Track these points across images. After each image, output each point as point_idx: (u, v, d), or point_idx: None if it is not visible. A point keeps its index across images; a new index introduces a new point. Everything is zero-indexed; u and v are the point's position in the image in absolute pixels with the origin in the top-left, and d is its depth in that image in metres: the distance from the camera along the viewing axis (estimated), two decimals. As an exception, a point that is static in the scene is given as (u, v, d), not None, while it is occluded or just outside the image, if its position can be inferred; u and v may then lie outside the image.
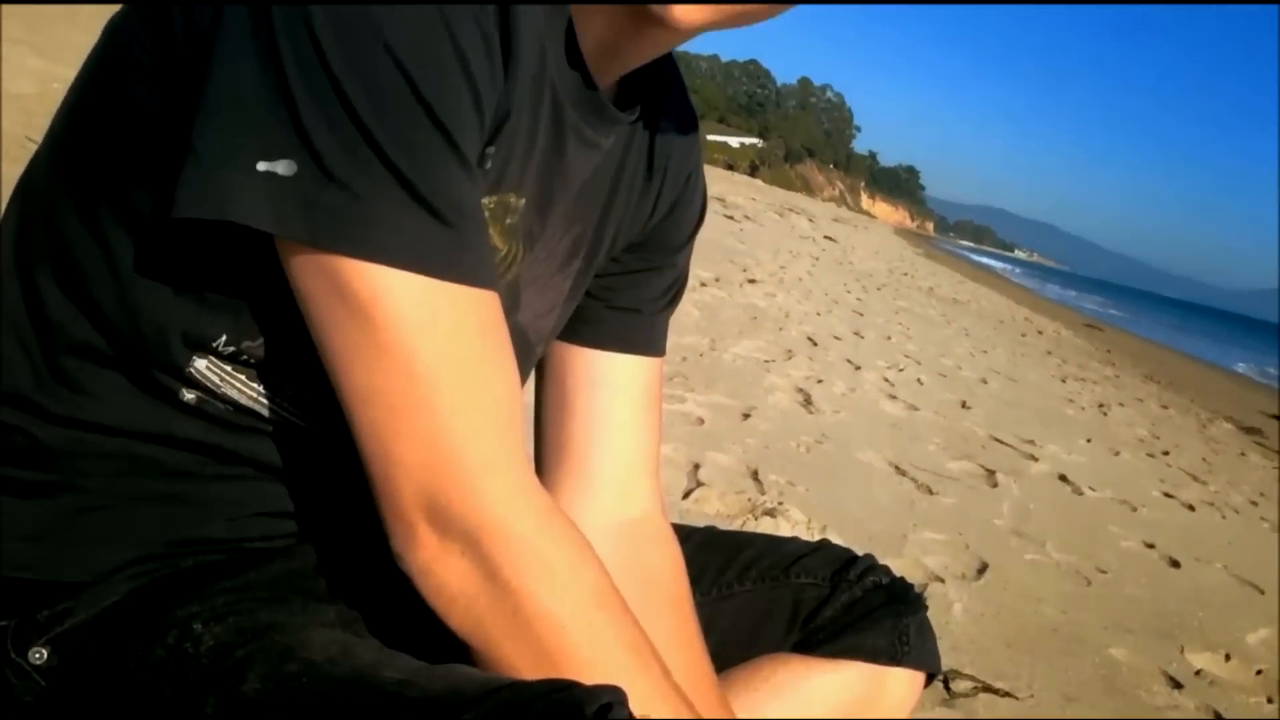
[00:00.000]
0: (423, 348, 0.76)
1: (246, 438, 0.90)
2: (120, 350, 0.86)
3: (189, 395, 0.87)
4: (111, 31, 0.88)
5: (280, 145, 0.72)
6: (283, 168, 0.72)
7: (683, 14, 0.83)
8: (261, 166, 0.72)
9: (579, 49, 0.92)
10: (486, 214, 0.90)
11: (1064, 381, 11.11)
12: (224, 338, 0.85)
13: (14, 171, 0.96)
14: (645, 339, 1.18)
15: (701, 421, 4.38)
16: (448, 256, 0.76)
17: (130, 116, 0.83)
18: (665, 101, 1.10)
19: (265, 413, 0.89)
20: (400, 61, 0.72)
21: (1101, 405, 9.87)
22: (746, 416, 4.70)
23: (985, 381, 8.77)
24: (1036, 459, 5.91)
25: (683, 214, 1.19)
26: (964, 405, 7.06)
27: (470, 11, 0.77)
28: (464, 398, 0.78)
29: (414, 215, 0.74)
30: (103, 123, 0.86)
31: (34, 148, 0.96)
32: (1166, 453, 7.96)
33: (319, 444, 0.92)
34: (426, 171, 0.74)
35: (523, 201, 0.95)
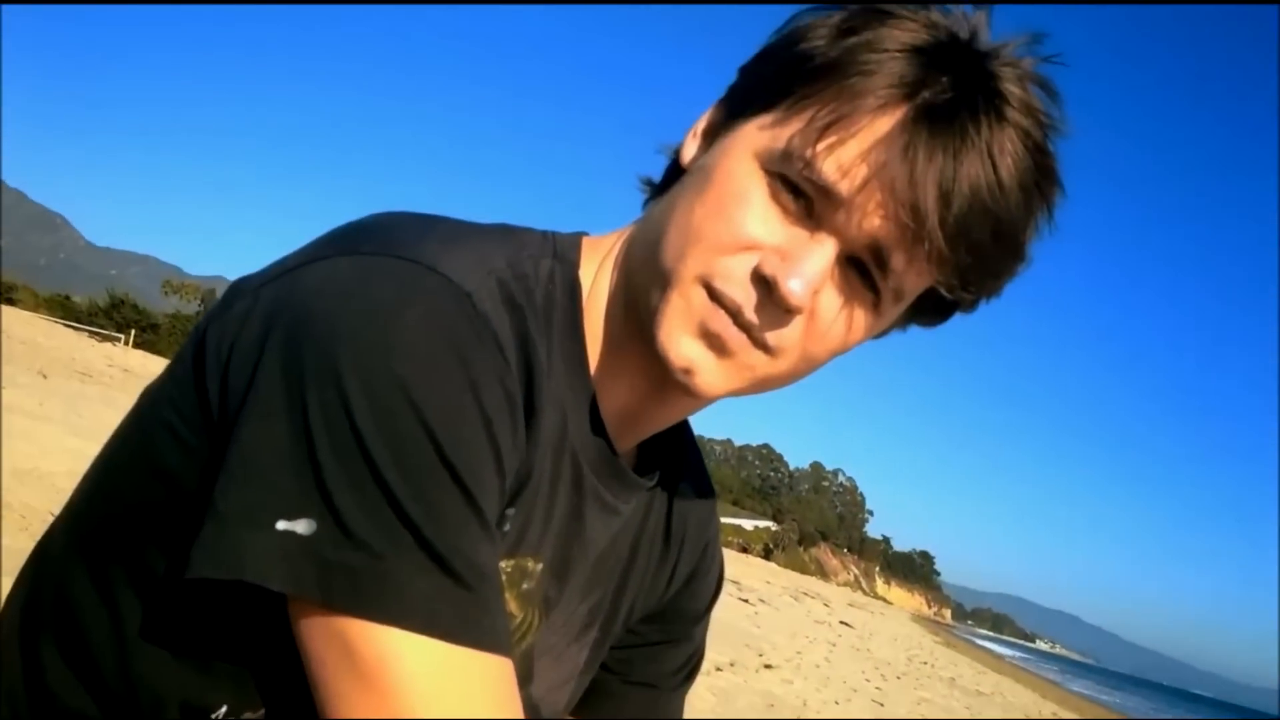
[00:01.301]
0: (432, 717, 0.71)
1: None
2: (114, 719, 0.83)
3: None
4: (146, 396, 0.90)
5: (301, 504, 0.71)
6: (302, 527, 0.71)
7: (705, 382, 0.85)
8: (281, 526, 0.71)
9: (600, 414, 0.92)
10: (504, 578, 0.88)
11: (1099, 782, 10.48)
12: (225, 708, 0.82)
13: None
14: (662, 717, 1.14)
15: (718, 818, 4.10)
16: (463, 619, 0.72)
17: (156, 477, 0.83)
18: (682, 467, 1.10)
19: None
20: (426, 423, 0.72)
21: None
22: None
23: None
24: None
25: (700, 584, 1.17)
26: (995, 806, 6.63)
27: (497, 374, 0.77)
28: None
29: (431, 576, 0.71)
30: (128, 484, 0.86)
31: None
32: None
33: None
34: (446, 532, 0.72)
35: (540, 566, 0.93)
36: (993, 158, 0.79)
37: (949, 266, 0.82)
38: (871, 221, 0.80)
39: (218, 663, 0.81)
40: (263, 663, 0.81)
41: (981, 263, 0.83)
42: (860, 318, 0.86)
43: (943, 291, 0.85)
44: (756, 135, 0.84)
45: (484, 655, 0.73)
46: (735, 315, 0.83)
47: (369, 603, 0.71)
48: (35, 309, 65.41)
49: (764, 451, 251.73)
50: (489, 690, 0.74)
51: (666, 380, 0.87)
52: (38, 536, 0.95)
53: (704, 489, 1.15)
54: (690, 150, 0.92)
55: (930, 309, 0.92)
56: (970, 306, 0.91)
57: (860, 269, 0.84)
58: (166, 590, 0.81)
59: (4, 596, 0.93)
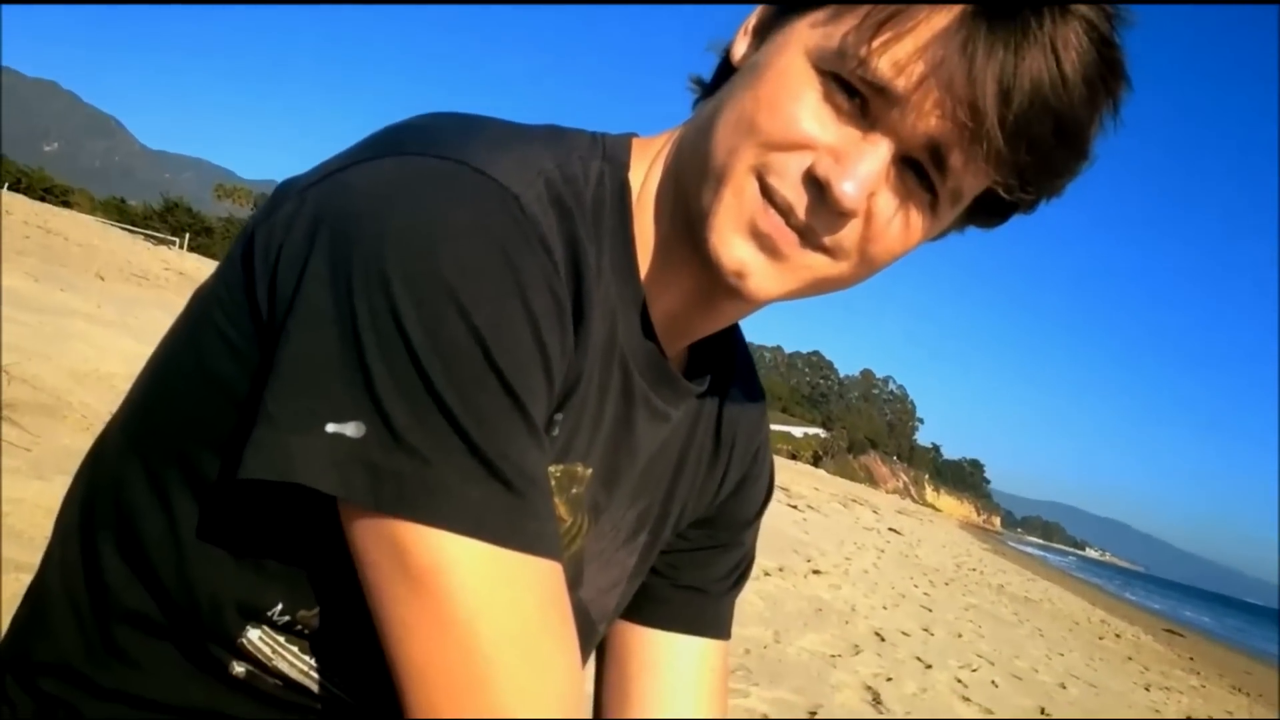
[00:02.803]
0: (483, 622, 0.72)
1: (295, 718, 0.86)
2: (173, 618, 0.83)
3: (239, 669, 0.84)
4: (196, 298, 0.89)
5: (351, 408, 0.71)
6: (351, 430, 0.71)
7: (757, 285, 0.83)
8: (330, 428, 0.71)
9: (650, 319, 0.92)
10: (552, 483, 0.88)
11: (1147, 690, 10.56)
12: (280, 606, 0.82)
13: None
14: (711, 621, 1.13)
15: (765, 719, 4.17)
16: (512, 524, 0.73)
17: (207, 381, 0.83)
18: (733, 372, 1.09)
19: (315, 688, 0.85)
20: (475, 327, 0.71)
21: (1190, 717, 9.31)
22: (813, 714, 4.48)
23: (1064, 687, 8.35)
24: (1124, 775, 5.53)
25: (750, 490, 1.16)
26: (1043, 712, 6.70)
27: (545, 278, 0.76)
28: (525, 678, 0.73)
29: (480, 482, 0.72)
30: (180, 387, 0.86)
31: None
32: (1265, 773, 7.41)
33: None
34: (495, 438, 0.72)
35: (589, 472, 0.93)
36: (1056, 52, 0.75)
37: (1008, 166, 0.79)
38: (928, 121, 0.78)
39: (272, 563, 0.82)
40: (316, 563, 0.81)
41: (1042, 162, 0.79)
42: (917, 219, 0.83)
43: (1001, 192, 0.82)
44: (809, 33, 0.81)
45: (533, 559, 0.74)
46: (787, 215, 0.81)
47: (419, 507, 0.71)
48: (91, 212, 66.48)
49: (814, 359, 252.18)
50: (538, 593, 0.74)
51: (717, 284, 0.85)
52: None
53: (754, 394, 1.14)
54: (741, 48, 0.89)
55: (989, 210, 0.88)
56: (1030, 207, 0.88)
57: (917, 170, 0.81)
58: (220, 492, 0.82)
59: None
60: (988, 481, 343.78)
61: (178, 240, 64.61)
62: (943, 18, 0.76)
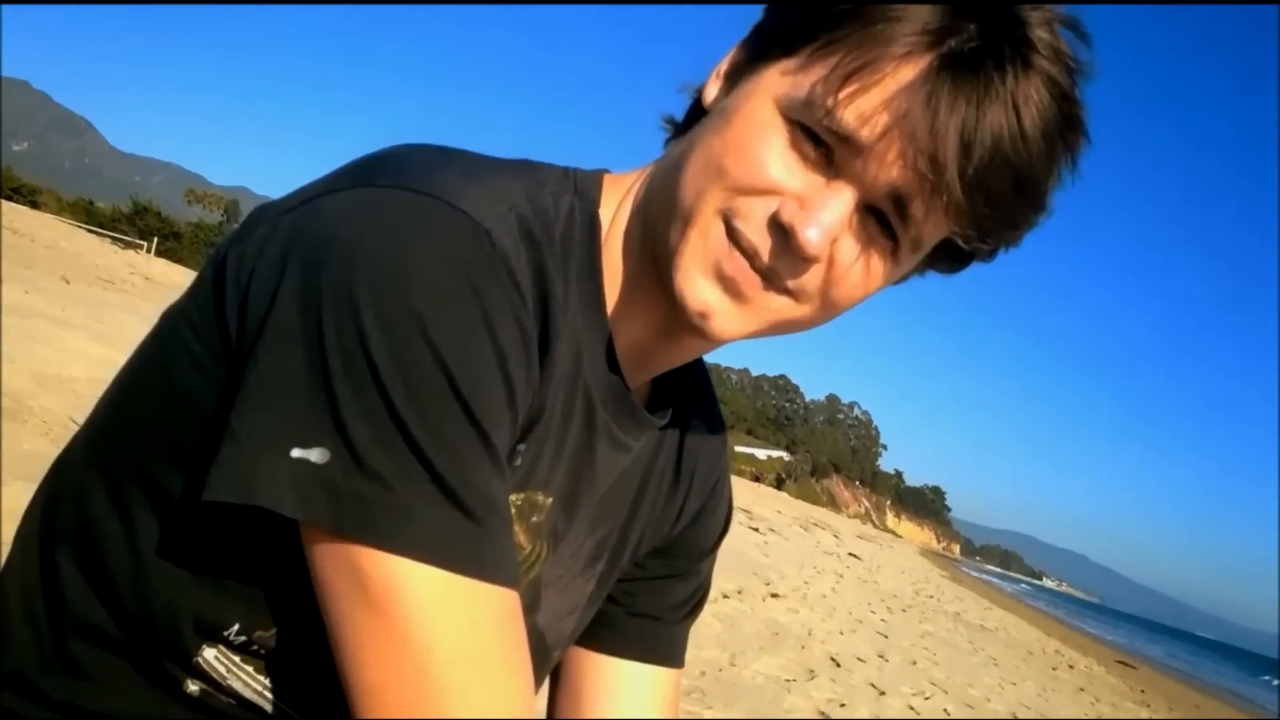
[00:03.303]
0: (438, 644, 0.73)
1: None
2: (129, 634, 0.84)
3: (193, 687, 0.84)
4: (167, 316, 0.91)
5: (316, 433, 0.72)
6: (316, 455, 0.72)
7: (720, 326, 0.85)
8: (295, 453, 0.72)
9: (614, 351, 0.93)
10: (513, 511, 0.89)
11: (1097, 721, 10.61)
12: (237, 626, 0.83)
13: (55, 452, 0.98)
14: (665, 649, 1.15)
15: (718, 742, 4.17)
16: (470, 551, 0.74)
17: (174, 397, 0.84)
18: (695, 404, 1.11)
19: (269, 708, 0.86)
20: (441, 357, 0.72)
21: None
22: (765, 739, 4.48)
23: (1015, 717, 8.40)
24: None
25: (708, 521, 1.18)
26: (993, 741, 6.73)
27: (512, 310, 0.77)
28: (477, 699, 0.74)
29: (440, 509, 0.73)
30: (146, 403, 0.87)
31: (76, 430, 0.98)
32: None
33: None
34: (457, 465, 0.73)
35: (550, 500, 0.94)
36: (1017, 107, 0.78)
37: (967, 217, 0.81)
38: (891, 170, 0.79)
39: (231, 582, 0.83)
40: (275, 584, 0.82)
41: (1001, 214, 0.82)
42: (879, 266, 0.85)
43: (960, 242, 0.84)
44: (778, 81, 0.83)
45: (489, 586, 0.75)
46: (752, 259, 0.83)
47: (378, 531, 0.72)
48: (59, 212, 65.50)
49: (780, 382, 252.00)
50: (492, 618, 0.75)
51: (682, 321, 0.87)
52: (59, 441, 0.97)
53: (715, 425, 1.15)
54: (712, 91, 0.91)
55: (949, 257, 0.91)
56: (989, 256, 0.91)
57: (879, 217, 0.83)
58: (182, 509, 0.83)
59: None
60: (948, 509, 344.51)
61: (145, 244, 63.81)
62: (909, 71, 0.78)
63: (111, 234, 61.26)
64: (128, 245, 55.55)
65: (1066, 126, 0.81)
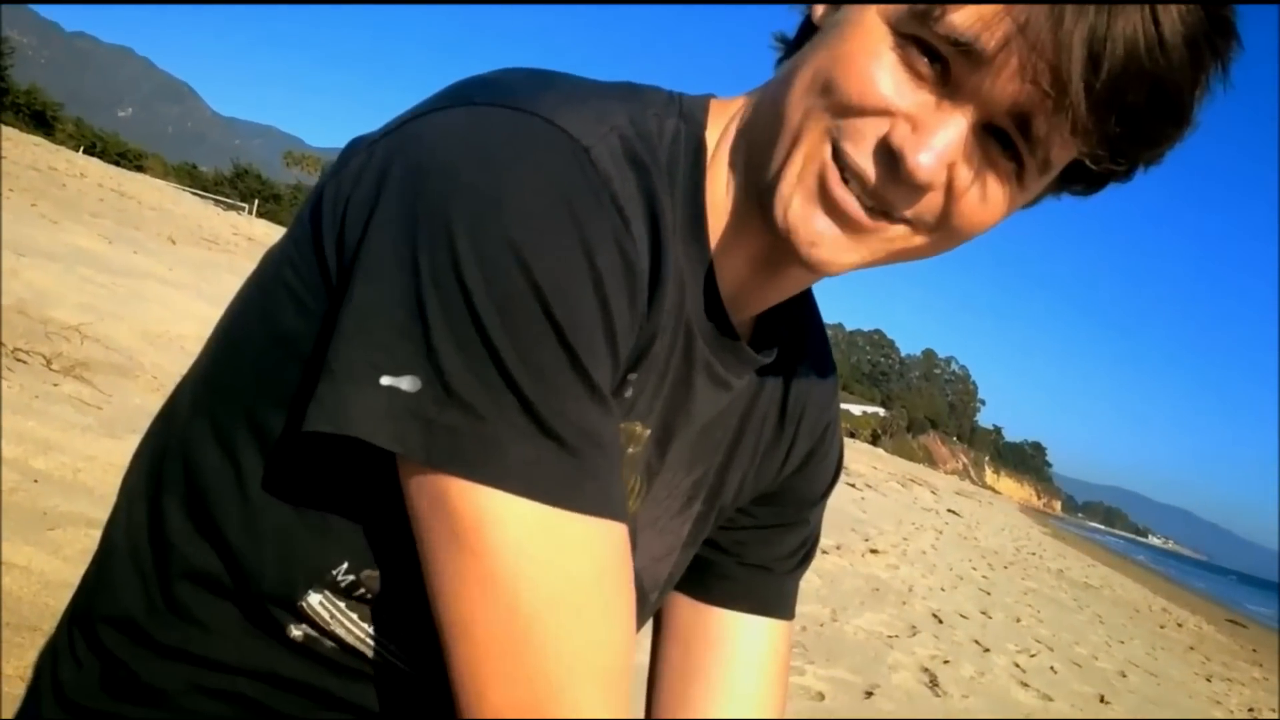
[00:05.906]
0: (529, 581, 0.70)
1: (351, 682, 0.85)
2: (237, 578, 0.83)
3: (297, 631, 0.83)
4: (266, 259, 0.89)
5: (407, 361, 0.70)
6: (407, 383, 0.70)
7: (830, 256, 0.80)
8: (385, 381, 0.70)
9: (716, 283, 0.89)
10: None
11: (1209, 680, 10.38)
12: (344, 565, 0.81)
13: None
14: (776, 601, 1.11)
15: (822, 697, 4.16)
16: (565, 485, 0.71)
17: (276, 338, 0.83)
18: (804, 345, 1.06)
19: (370, 654, 0.85)
20: (535, 282, 0.69)
21: (1252, 710, 9.14)
22: (869, 695, 4.45)
23: (1124, 675, 8.24)
24: (1185, 766, 5.44)
25: (818, 466, 1.13)
26: (1102, 700, 6.61)
27: (613, 234, 0.74)
28: (570, 642, 0.71)
29: (534, 439, 0.70)
30: (248, 346, 0.86)
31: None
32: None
33: (422, 691, 0.86)
34: (551, 395, 0.70)
35: (648, 432, 0.91)
36: (1154, 10, 0.69)
37: (1095, 137, 0.73)
38: (1012, 85, 0.72)
39: (337, 520, 0.81)
40: (378, 521, 0.80)
41: (1136, 132, 0.73)
42: (1002, 191, 0.78)
43: (1088, 163, 0.76)
44: None
45: (587, 519, 0.72)
46: (863, 185, 0.77)
47: (468, 463, 0.69)
48: (164, 177, 67.54)
49: (875, 337, 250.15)
50: (590, 555, 0.72)
51: (786, 252, 0.81)
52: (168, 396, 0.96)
53: (826, 369, 1.10)
54: (821, 7, 0.85)
55: (1082, 177, 0.82)
56: (1126, 176, 0.81)
57: (1002, 138, 0.76)
58: (287, 449, 0.81)
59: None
60: (1049, 465, 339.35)
61: (247, 206, 65.45)
62: None
63: (214, 196, 63.00)
64: (230, 207, 56.96)
65: (1214, 29, 0.72)
